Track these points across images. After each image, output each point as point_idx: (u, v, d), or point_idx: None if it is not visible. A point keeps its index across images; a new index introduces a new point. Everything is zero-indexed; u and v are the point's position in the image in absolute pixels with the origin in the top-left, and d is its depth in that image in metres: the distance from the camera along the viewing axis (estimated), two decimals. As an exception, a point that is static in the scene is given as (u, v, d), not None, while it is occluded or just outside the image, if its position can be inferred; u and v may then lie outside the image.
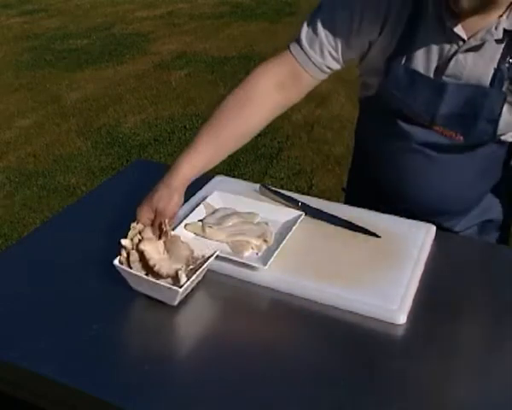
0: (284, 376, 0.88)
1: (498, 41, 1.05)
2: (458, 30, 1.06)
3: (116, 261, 0.99)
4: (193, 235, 1.15)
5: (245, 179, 1.41)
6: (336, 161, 3.46)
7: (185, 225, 1.16)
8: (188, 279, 0.96)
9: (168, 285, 0.96)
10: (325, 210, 1.22)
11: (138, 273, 0.98)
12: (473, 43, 1.06)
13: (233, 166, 3.46)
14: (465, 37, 1.06)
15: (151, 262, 0.97)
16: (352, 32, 1.14)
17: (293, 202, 1.24)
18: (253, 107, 1.19)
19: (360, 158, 1.43)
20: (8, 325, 0.99)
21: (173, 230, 1.13)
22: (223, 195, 1.26)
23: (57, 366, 0.90)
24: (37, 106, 4.51)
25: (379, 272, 1.05)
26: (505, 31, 1.04)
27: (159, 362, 0.90)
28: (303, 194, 1.29)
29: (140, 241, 1.00)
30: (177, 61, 5.33)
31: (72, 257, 1.13)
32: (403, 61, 1.13)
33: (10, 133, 4.11)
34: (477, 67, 1.08)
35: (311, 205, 1.23)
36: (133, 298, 1.01)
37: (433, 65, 1.11)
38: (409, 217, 1.19)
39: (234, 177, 1.42)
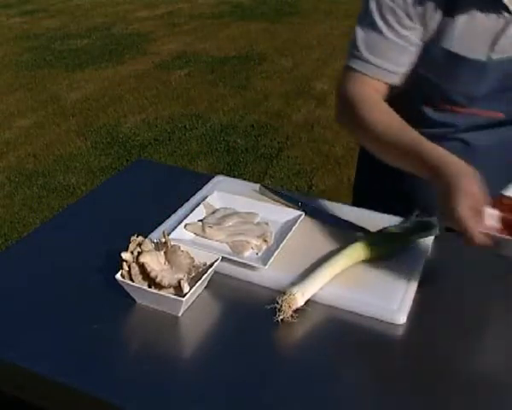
0: (284, 375, 0.88)
1: None
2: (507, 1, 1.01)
3: (118, 276, 0.99)
4: (193, 235, 1.16)
5: (245, 179, 1.41)
6: (336, 161, 3.46)
7: (185, 225, 1.16)
8: (190, 288, 0.97)
9: (172, 296, 0.96)
10: (325, 210, 1.22)
11: (141, 286, 0.98)
12: None
13: (233, 166, 3.46)
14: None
15: (152, 274, 0.97)
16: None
17: (293, 202, 1.24)
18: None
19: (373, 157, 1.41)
20: (8, 324, 0.99)
21: (173, 230, 1.14)
22: (223, 195, 1.26)
23: (57, 366, 0.90)
24: (37, 106, 4.51)
25: (379, 271, 1.05)
26: None
27: (159, 362, 0.90)
28: (303, 194, 1.29)
29: (140, 253, 1.00)
30: (177, 61, 5.33)
31: (73, 257, 1.13)
32: (440, 43, 1.09)
33: (10, 133, 4.11)
34: None
35: (311, 205, 1.23)
36: (133, 298, 1.01)
37: (479, 43, 1.07)
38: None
39: (234, 177, 1.42)
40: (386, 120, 1.10)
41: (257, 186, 1.32)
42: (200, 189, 1.31)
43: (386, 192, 1.30)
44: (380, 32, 1.11)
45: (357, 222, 1.17)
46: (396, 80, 1.15)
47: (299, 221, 1.16)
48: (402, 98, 1.17)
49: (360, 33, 1.14)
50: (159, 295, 0.97)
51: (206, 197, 1.25)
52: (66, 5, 7.48)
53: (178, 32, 6.21)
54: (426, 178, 1.01)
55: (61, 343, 0.94)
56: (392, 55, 1.12)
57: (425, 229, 1.14)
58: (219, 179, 1.37)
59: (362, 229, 1.15)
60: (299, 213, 1.19)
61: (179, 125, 4.09)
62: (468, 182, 0.92)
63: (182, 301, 0.95)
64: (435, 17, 1.08)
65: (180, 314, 0.97)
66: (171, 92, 4.65)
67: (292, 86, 4.69)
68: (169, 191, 1.33)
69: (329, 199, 1.30)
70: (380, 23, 1.11)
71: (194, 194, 1.29)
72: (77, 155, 3.77)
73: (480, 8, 1.05)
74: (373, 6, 1.11)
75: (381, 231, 1.12)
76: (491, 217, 0.93)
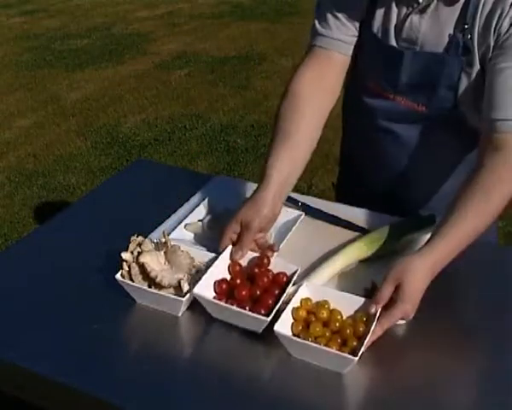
0: (284, 374, 0.88)
1: (448, 3, 1.05)
2: None
3: (118, 276, 0.99)
4: (193, 235, 1.15)
5: (245, 179, 1.41)
6: (336, 160, 3.44)
7: (185, 225, 1.16)
8: (190, 288, 0.96)
9: (172, 296, 0.96)
10: (325, 210, 1.22)
11: (141, 286, 0.98)
12: (424, 3, 1.06)
13: (233, 166, 3.46)
14: None
15: (152, 274, 0.97)
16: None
17: (293, 202, 1.24)
18: (307, 114, 1.16)
19: (343, 146, 1.46)
20: (8, 324, 0.99)
21: (173, 230, 1.14)
22: (223, 195, 1.25)
23: (57, 366, 0.90)
24: (37, 106, 4.51)
25: (379, 271, 1.05)
26: None
27: (159, 362, 0.90)
28: (303, 194, 1.29)
29: (140, 253, 1.00)
30: (177, 61, 5.33)
31: (73, 257, 1.13)
32: (368, 26, 1.15)
33: (10, 133, 4.10)
34: (432, 31, 1.09)
35: (311, 205, 1.23)
36: (133, 298, 1.01)
37: (391, 28, 1.13)
38: (389, 203, 1.22)
39: (234, 177, 1.42)
40: (285, 116, 1.17)
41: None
42: (200, 189, 1.31)
43: (367, 194, 1.32)
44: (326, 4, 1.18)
45: (357, 222, 1.17)
46: (347, 50, 1.19)
47: (299, 221, 1.16)
48: (346, 87, 1.25)
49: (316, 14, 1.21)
50: (159, 295, 0.97)
51: (206, 197, 1.25)
52: (66, 5, 7.48)
53: (178, 32, 6.20)
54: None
55: (61, 343, 0.94)
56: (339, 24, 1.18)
57: (425, 228, 1.14)
58: (219, 179, 1.37)
59: (362, 229, 1.15)
60: (299, 213, 1.19)
61: (179, 125, 4.08)
62: (248, 214, 1.03)
63: (182, 301, 0.95)
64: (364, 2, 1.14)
65: (180, 314, 0.97)
66: (171, 92, 4.64)
67: (292, 86, 4.68)
68: (169, 191, 1.33)
69: (329, 199, 1.30)
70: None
71: (194, 194, 1.29)
72: (77, 155, 3.77)
73: None
74: None
75: (380, 231, 1.12)
76: None
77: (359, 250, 1.07)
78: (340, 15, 1.17)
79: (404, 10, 1.10)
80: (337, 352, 0.86)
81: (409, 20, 1.10)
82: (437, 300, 1.01)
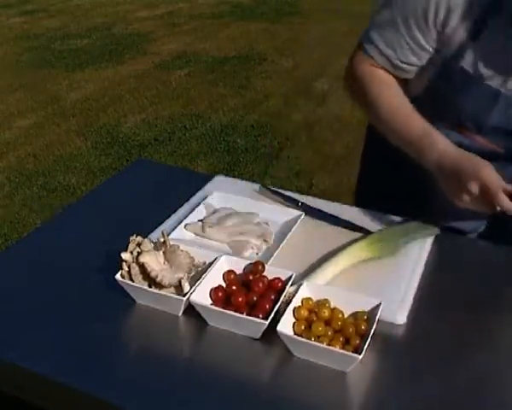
0: (285, 374, 0.88)
1: None
2: None
3: (118, 276, 0.99)
4: (193, 235, 1.15)
5: (245, 179, 1.41)
6: (336, 161, 3.46)
7: (185, 225, 1.16)
8: (191, 287, 0.96)
9: (173, 296, 0.96)
10: (325, 210, 1.21)
11: (141, 286, 0.98)
12: None
13: (233, 166, 3.46)
14: None
15: (152, 274, 0.97)
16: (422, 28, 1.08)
17: (293, 202, 1.24)
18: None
19: (374, 159, 1.40)
20: (8, 324, 0.99)
21: (173, 230, 1.14)
22: (223, 195, 1.26)
23: (57, 366, 0.90)
24: (37, 106, 4.51)
25: (379, 271, 1.05)
26: None
27: (159, 362, 0.90)
28: (303, 194, 1.29)
29: (139, 254, 1.00)
30: (177, 61, 5.33)
31: (73, 257, 1.13)
32: (460, 62, 1.08)
33: (10, 133, 4.10)
34: None
35: (311, 205, 1.23)
36: (133, 298, 1.01)
37: (496, 70, 1.06)
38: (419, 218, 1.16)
39: (234, 177, 1.42)
40: (394, 103, 1.13)
41: (257, 186, 1.32)
42: (200, 189, 1.31)
43: (389, 196, 1.30)
44: (396, 28, 1.11)
45: (357, 222, 1.17)
46: (401, 75, 1.16)
47: (299, 221, 1.16)
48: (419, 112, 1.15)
49: (376, 22, 1.15)
50: (159, 295, 0.97)
51: (206, 197, 1.25)
52: (66, 5, 7.47)
53: (178, 32, 6.20)
54: (429, 167, 1.05)
55: (61, 343, 0.94)
56: (401, 51, 1.12)
57: (425, 229, 1.14)
58: (219, 179, 1.37)
59: (362, 229, 1.15)
60: (299, 213, 1.19)
61: (179, 125, 4.08)
62: (488, 172, 0.99)
63: (182, 301, 0.95)
64: (458, 36, 1.06)
65: (180, 314, 0.97)
66: (171, 92, 4.64)
67: (292, 86, 4.68)
68: (169, 191, 1.33)
69: (329, 199, 1.30)
70: (398, 20, 1.10)
71: (194, 194, 1.29)
72: (77, 155, 3.77)
73: (504, 35, 1.02)
74: (395, 6, 1.11)
75: (381, 231, 1.12)
76: None
77: (360, 251, 1.07)
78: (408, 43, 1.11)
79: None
80: (341, 351, 0.86)
81: None
82: (437, 300, 1.01)
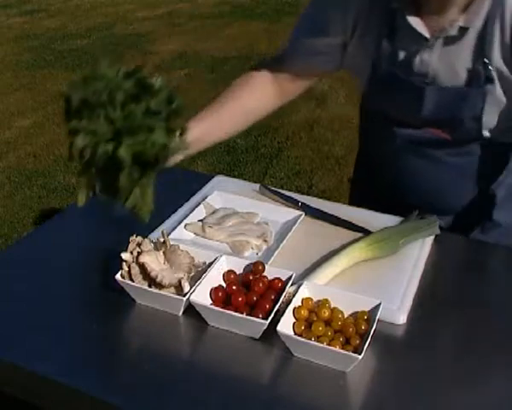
0: (285, 374, 0.88)
1: (456, 38, 1.06)
2: (421, 29, 1.08)
3: (118, 276, 0.99)
4: (193, 235, 1.15)
5: (245, 179, 1.41)
6: (336, 161, 3.46)
7: (185, 225, 1.16)
8: (191, 287, 0.96)
9: (173, 295, 0.96)
10: (325, 210, 1.21)
11: (141, 286, 0.98)
12: (433, 40, 1.08)
13: (233, 166, 3.46)
14: (427, 35, 1.08)
15: (153, 274, 0.97)
16: (324, 31, 1.20)
17: (293, 202, 1.24)
18: (251, 93, 1.29)
19: (362, 157, 1.45)
20: (8, 325, 0.99)
21: (173, 230, 1.14)
22: (223, 195, 1.25)
23: (57, 366, 0.90)
24: (37, 106, 4.51)
25: (379, 271, 1.05)
26: (461, 28, 1.05)
27: (159, 362, 0.90)
28: (303, 194, 1.29)
29: (139, 253, 1.00)
30: (177, 61, 5.33)
31: (72, 257, 1.13)
32: (384, 64, 1.15)
33: (10, 133, 4.10)
34: (444, 65, 1.10)
35: (311, 205, 1.23)
36: (133, 298, 1.01)
37: (404, 66, 1.13)
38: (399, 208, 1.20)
39: (234, 177, 1.42)
40: (229, 88, 1.31)
41: (257, 186, 1.32)
42: (200, 189, 1.31)
43: (383, 191, 1.31)
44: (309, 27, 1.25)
45: (357, 222, 1.17)
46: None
47: (299, 221, 1.16)
48: (375, 117, 1.26)
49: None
50: (159, 295, 0.97)
51: (206, 197, 1.25)
52: (66, 5, 7.47)
53: (178, 32, 6.20)
54: None
55: (61, 343, 0.94)
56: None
57: (425, 229, 1.14)
58: (219, 179, 1.37)
59: (362, 229, 1.15)
60: (299, 213, 1.19)
61: (179, 125, 4.09)
62: None
63: (182, 301, 0.95)
64: (370, 39, 1.15)
65: (180, 314, 0.97)
66: (171, 92, 4.65)
67: (292, 86, 4.68)
68: (169, 191, 1.33)
69: (329, 199, 1.30)
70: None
71: (194, 194, 1.29)
72: (77, 155, 3.77)
73: (405, 35, 1.11)
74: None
75: (381, 231, 1.12)
76: None
77: (360, 251, 1.07)
78: (314, 44, 1.22)
79: (414, 47, 1.11)
80: (342, 351, 0.86)
81: (419, 57, 1.11)
82: (437, 300, 1.01)
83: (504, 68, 1.06)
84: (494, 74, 1.07)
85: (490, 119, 1.11)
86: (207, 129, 1.20)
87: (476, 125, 1.12)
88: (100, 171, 0.98)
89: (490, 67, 1.06)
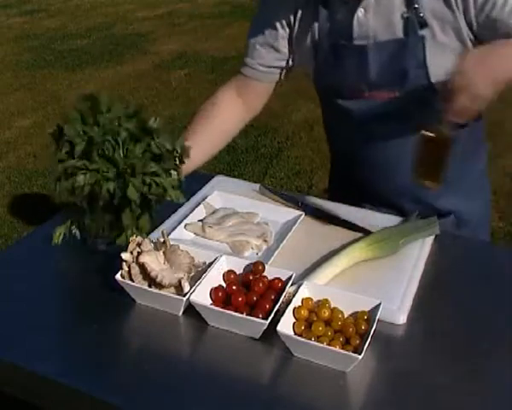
0: (285, 374, 0.88)
1: None
2: None
3: (118, 276, 0.99)
4: (193, 235, 1.15)
5: (245, 179, 1.41)
6: (336, 160, 3.46)
7: (185, 225, 1.16)
8: (191, 287, 0.96)
9: (173, 295, 0.96)
10: (325, 210, 1.21)
11: (141, 286, 0.98)
12: None
13: (233, 167, 3.46)
14: None
15: (153, 274, 0.97)
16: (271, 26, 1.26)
17: (293, 202, 1.24)
18: (220, 122, 1.37)
19: (331, 152, 1.52)
20: (8, 325, 0.99)
21: (173, 230, 1.14)
22: (223, 195, 1.26)
23: (57, 366, 0.90)
24: (37, 106, 4.51)
25: (379, 271, 1.05)
26: None
27: (159, 362, 0.90)
28: (303, 194, 1.29)
29: (139, 254, 1.00)
30: (177, 61, 5.33)
31: (72, 257, 1.13)
32: (325, 39, 1.18)
33: (10, 133, 4.10)
34: (380, 21, 1.12)
35: (311, 205, 1.23)
36: (133, 298, 1.01)
37: (344, 33, 1.16)
38: (376, 203, 1.26)
39: (234, 177, 1.42)
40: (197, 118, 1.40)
41: (257, 186, 1.32)
42: (200, 189, 1.31)
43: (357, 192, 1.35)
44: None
45: (357, 222, 1.17)
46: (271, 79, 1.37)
47: (299, 221, 1.16)
48: (327, 99, 1.30)
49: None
50: (159, 295, 0.97)
51: (206, 197, 1.25)
52: (66, 5, 7.47)
53: (178, 32, 6.20)
54: None
55: (61, 343, 0.94)
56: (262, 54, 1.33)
57: (425, 229, 1.14)
58: (219, 179, 1.37)
59: (362, 229, 1.15)
60: (299, 213, 1.19)
61: (179, 125, 4.08)
62: None
63: (182, 301, 0.95)
64: (308, 17, 1.20)
65: (180, 314, 0.97)
66: (171, 92, 4.64)
67: (292, 86, 4.68)
68: (169, 191, 1.33)
69: (329, 199, 1.30)
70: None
71: (194, 194, 1.29)
72: (77, 155, 3.77)
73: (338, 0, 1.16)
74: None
75: (380, 231, 1.12)
76: None
77: (360, 251, 1.07)
78: (266, 44, 1.29)
79: (348, 11, 1.14)
80: (342, 351, 0.86)
81: (355, 19, 1.14)
82: (437, 300, 1.01)
83: (437, 6, 1.08)
84: (428, 18, 1.09)
85: (436, 65, 1.12)
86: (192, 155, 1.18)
87: (422, 73, 1.12)
88: (92, 209, 1.05)
89: (420, 13, 1.09)
